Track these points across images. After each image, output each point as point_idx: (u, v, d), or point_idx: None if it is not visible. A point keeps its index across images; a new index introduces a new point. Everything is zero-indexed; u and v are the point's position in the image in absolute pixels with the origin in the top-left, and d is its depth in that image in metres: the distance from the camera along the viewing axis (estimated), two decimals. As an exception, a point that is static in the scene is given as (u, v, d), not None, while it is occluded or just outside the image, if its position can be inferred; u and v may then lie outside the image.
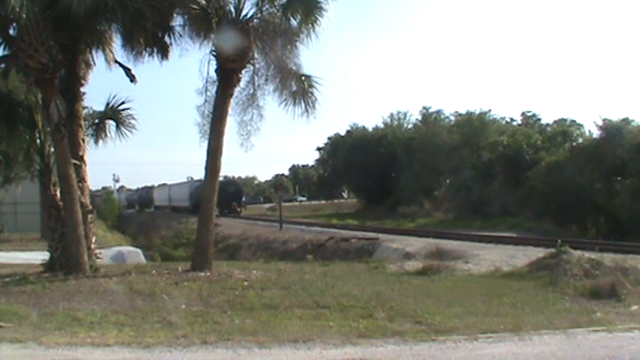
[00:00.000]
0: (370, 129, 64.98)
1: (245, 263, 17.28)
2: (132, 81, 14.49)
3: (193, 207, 48.10)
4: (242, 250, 31.61)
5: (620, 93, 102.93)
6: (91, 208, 14.16)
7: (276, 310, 9.14)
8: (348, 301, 9.70)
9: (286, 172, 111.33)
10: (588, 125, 47.30)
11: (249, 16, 13.46)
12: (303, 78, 13.86)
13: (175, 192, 63.77)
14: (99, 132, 14.88)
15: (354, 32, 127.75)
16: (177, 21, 13.76)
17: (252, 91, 14.23)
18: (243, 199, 60.16)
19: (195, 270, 13.07)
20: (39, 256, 14.23)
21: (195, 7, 12.71)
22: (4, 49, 13.25)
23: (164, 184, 76.48)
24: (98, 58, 14.30)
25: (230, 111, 13.92)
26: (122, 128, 14.66)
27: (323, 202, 79.44)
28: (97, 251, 14.66)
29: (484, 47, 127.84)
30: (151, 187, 79.43)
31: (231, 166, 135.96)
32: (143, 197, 75.80)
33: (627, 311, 9.07)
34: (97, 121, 15.06)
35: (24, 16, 10.99)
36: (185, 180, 62.64)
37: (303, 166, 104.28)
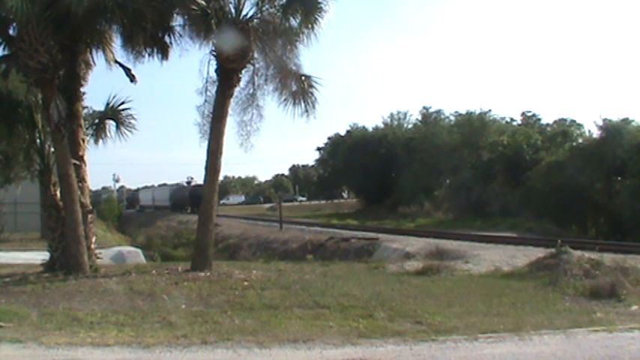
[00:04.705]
0: (370, 129, 65.12)
1: (245, 263, 17.28)
2: (132, 81, 14.50)
3: (172, 206, 62.88)
4: (242, 250, 31.65)
5: (620, 93, 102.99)
6: (90, 208, 14.16)
7: (276, 310, 9.13)
8: (348, 301, 9.69)
9: (286, 172, 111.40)
10: (588, 125, 47.20)
11: (249, 16, 13.47)
12: (303, 78, 13.86)
13: (158, 194, 75.23)
14: (99, 132, 14.88)
15: (354, 33, 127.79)
16: (177, 21, 13.77)
17: (252, 91, 14.26)
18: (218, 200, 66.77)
19: (195, 270, 13.07)
20: (39, 256, 14.21)
21: (195, 7, 12.70)
22: (4, 49, 13.25)
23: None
24: (98, 58, 14.31)
25: (230, 111, 13.93)
26: (122, 128, 14.66)
27: (323, 202, 79.41)
28: (97, 251, 14.65)
29: (484, 47, 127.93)
30: (138, 190, 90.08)
31: (231, 166, 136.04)
32: (130, 198, 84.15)
33: (627, 311, 9.06)
34: (97, 121, 15.05)
35: (23, 16, 10.99)
36: (170, 183, 74.69)
37: (303, 166, 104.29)
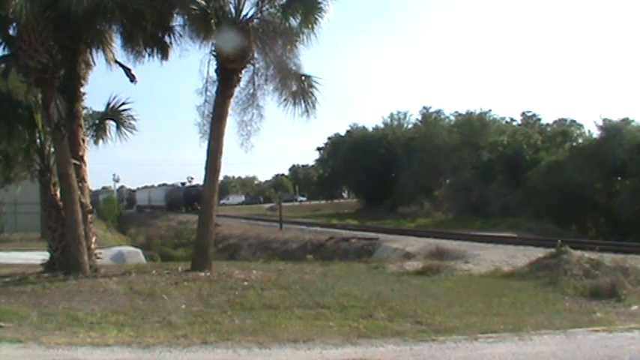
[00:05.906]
0: (370, 129, 65.09)
1: (245, 263, 17.27)
2: (132, 81, 14.49)
3: (168, 206, 65.73)
4: (242, 250, 31.67)
5: (620, 93, 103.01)
6: (90, 208, 14.16)
7: (276, 310, 9.13)
8: (348, 301, 9.69)
9: (286, 172, 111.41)
10: (588, 125, 47.32)
11: (249, 16, 13.46)
12: (303, 78, 13.84)
13: (154, 194, 78.36)
14: (99, 132, 14.84)
15: (354, 33, 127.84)
16: (177, 21, 13.74)
17: (252, 91, 14.22)
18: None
19: (195, 270, 13.06)
20: (39, 256, 14.19)
21: (194, 7, 12.67)
22: (4, 49, 13.23)
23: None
24: (98, 58, 14.27)
25: (230, 111, 13.92)
26: (122, 128, 14.64)
27: (323, 202, 79.43)
28: (97, 251, 14.65)
29: (484, 48, 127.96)
30: (134, 190, 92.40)
31: (231, 166, 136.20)
32: (129, 198, 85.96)
33: (627, 311, 9.07)
34: (97, 121, 15.04)
35: (23, 16, 10.99)
36: (169, 183, 78.19)
37: (303, 166, 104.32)
